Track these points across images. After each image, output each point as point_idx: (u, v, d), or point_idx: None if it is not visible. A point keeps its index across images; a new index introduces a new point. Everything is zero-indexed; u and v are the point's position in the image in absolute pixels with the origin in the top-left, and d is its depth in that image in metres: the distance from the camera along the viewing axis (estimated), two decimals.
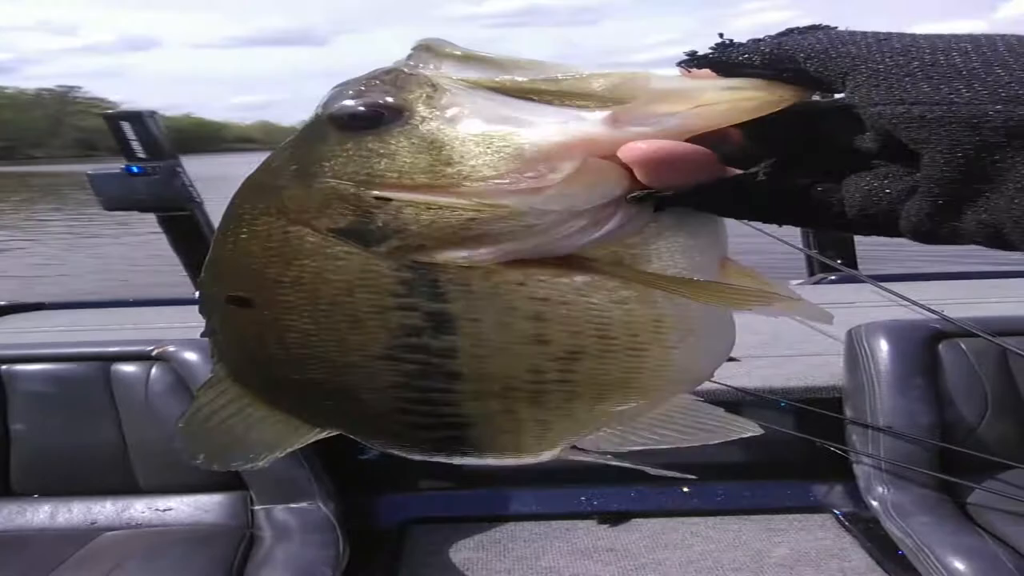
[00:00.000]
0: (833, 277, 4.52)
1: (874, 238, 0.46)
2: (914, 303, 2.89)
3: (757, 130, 0.45)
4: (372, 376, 0.52)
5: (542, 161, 0.45)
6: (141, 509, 2.42)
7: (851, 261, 4.44)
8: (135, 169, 4.87)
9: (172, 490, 2.45)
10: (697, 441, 0.53)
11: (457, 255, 0.47)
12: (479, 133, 0.46)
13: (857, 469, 2.50)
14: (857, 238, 5.22)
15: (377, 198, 0.47)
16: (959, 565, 2.06)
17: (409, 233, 0.47)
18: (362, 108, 0.47)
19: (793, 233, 5.16)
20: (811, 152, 0.45)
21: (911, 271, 4.81)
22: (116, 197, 4.98)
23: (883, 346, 2.50)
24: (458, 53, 0.49)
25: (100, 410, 2.45)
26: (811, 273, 5.01)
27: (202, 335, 0.57)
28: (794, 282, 4.79)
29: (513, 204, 0.46)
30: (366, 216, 0.48)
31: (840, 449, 2.49)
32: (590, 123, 0.45)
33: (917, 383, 2.44)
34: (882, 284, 3.21)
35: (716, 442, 0.54)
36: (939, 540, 2.17)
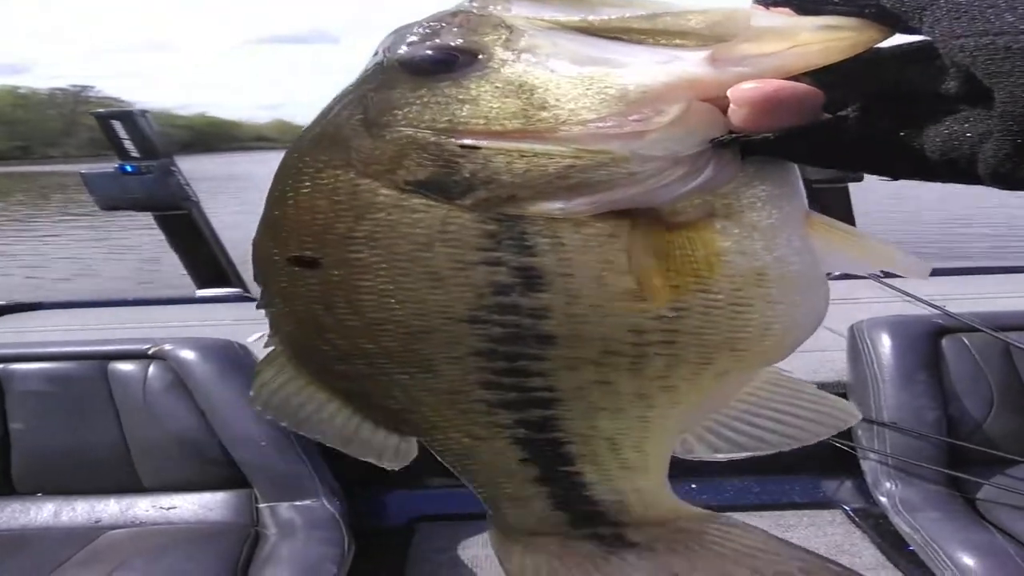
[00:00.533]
0: (835, 272, 4.51)
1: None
2: (916, 298, 2.89)
3: (841, 73, 0.42)
4: (454, 342, 0.47)
5: (647, 103, 0.42)
6: (145, 507, 2.41)
7: None
8: (129, 168, 4.86)
9: (175, 488, 2.43)
10: (801, 440, 0.53)
11: (552, 206, 0.44)
12: (575, 74, 0.42)
13: (865, 465, 2.50)
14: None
15: (463, 147, 0.43)
16: (969, 561, 2.06)
17: (500, 183, 0.43)
18: (433, 52, 0.44)
19: None
20: (892, 97, 0.43)
21: None
22: (111, 196, 4.97)
23: (886, 341, 2.49)
24: None
25: (99, 409, 2.43)
26: None
27: (258, 306, 0.53)
28: None
29: (615, 150, 0.42)
30: (449, 166, 0.44)
31: (846, 445, 2.49)
32: (692, 63, 0.41)
33: (921, 378, 2.43)
34: (884, 279, 3.21)
35: (821, 438, 0.53)
36: (948, 536, 2.16)
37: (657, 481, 0.57)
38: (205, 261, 5.16)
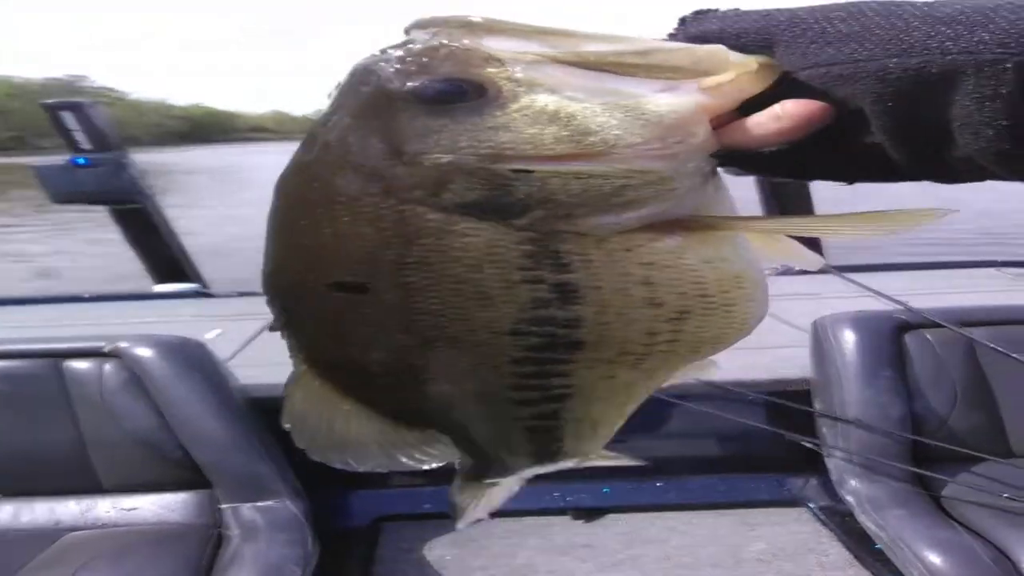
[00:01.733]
0: (799, 267, 4.52)
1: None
2: (879, 294, 2.91)
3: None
4: (496, 352, 0.51)
5: (682, 127, 0.46)
6: (106, 508, 2.37)
7: (817, 252, 4.49)
8: (80, 161, 4.77)
9: (136, 489, 2.39)
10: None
11: (605, 221, 0.47)
12: (607, 102, 0.46)
13: (829, 463, 2.51)
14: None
15: (515, 171, 0.46)
16: (935, 559, 2.08)
17: (557, 203, 0.46)
18: (444, 84, 0.46)
19: None
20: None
21: (878, 262, 4.87)
22: (62, 190, 4.87)
23: (849, 337, 2.50)
24: (500, 26, 0.47)
25: (55, 408, 2.38)
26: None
27: (273, 328, 0.54)
28: None
29: (662, 169, 0.46)
30: (502, 189, 0.46)
31: (810, 442, 2.51)
32: (697, 92, 0.47)
33: (885, 375, 2.45)
34: (847, 275, 3.24)
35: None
36: (914, 534, 2.18)
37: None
38: (161, 256, 5.09)
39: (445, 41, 0.46)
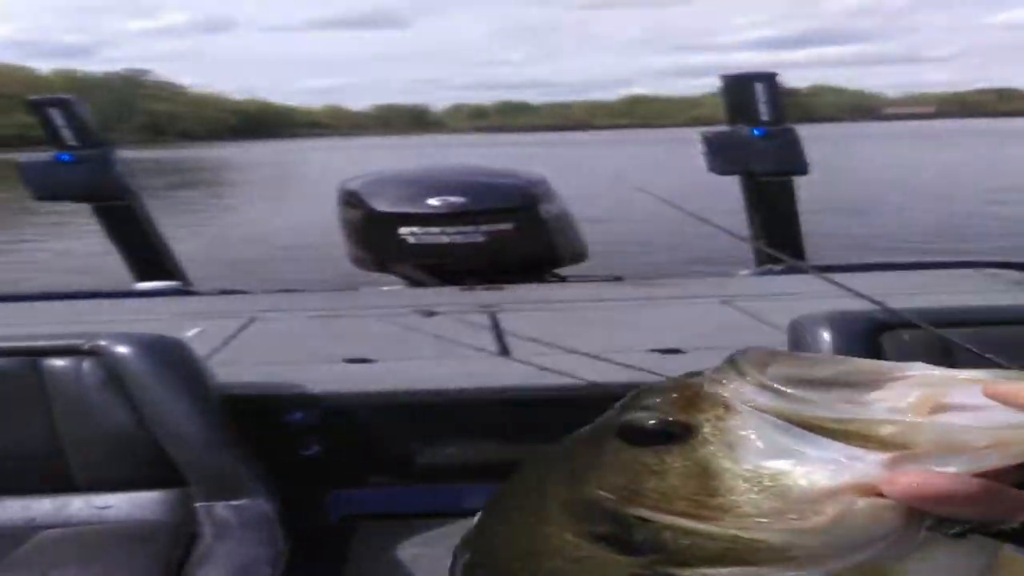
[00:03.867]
0: (779, 268, 4.58)
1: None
2: (857, 293, 2.94)
3: None
4: None
5: (806, 503, 0.45)
6: (79, 506, 2.38)
7: (798, 252, 4.51)
8: (65, 157, 4.77)
9: (110, 487, 2.40)
10: None
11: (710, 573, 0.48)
12: (751, 468, 0.47)
13: None
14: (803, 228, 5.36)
15: (637, 517, 0.49)
16: None
17: (667, 552, 0.48)
18: (652, 423, 0.50)
19: (739, 223, 5.25)
20: None
21: (858, 262, 4.88)
22: (45, 187, 4.86)
23: (825, 338, 2.49)
24: (760, 375, 0.49)
25: (31, 406, 2.38)
26: (758, 263, 5.09)
27: None
28: (741, 272, 4.85)
29: (770, 539, 0.46)
30: (626, 530, 0.49)
31: None
32: (868, 465, 0.45)
33: None
34: (826, 274, 3.27)
35: None
36: None
37: None
38: (144, 253, 5.09)
39: (710, 379, 0.51)
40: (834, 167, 24.78)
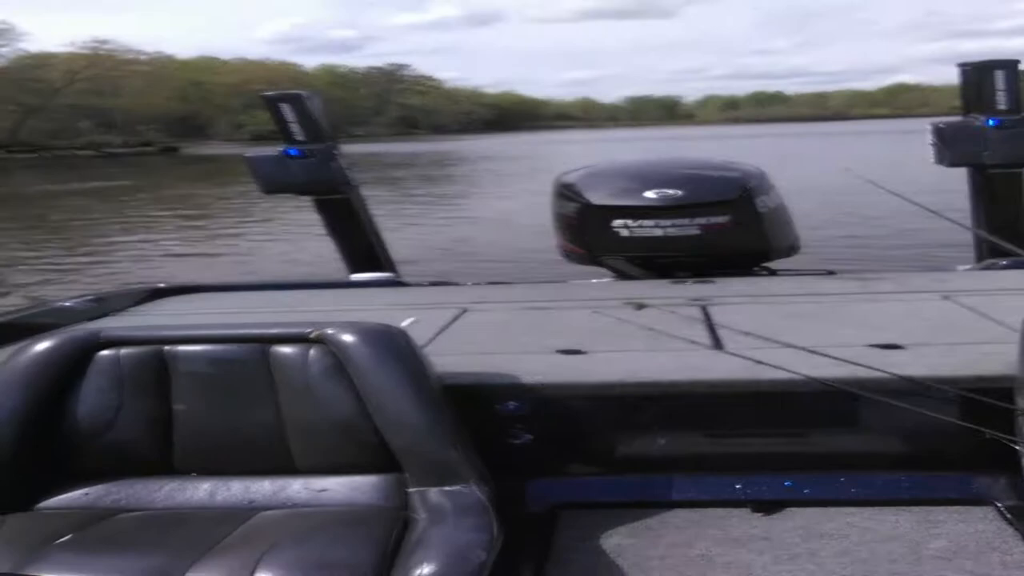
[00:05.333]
0: (1004, 262, 4.31)
1: None
2: None
3: None
4: None
5: None
6: (298, 489, 2.44)
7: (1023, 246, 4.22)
8: (293, 152, 4.97)
9: (328, 471, 2.45)
10: None
11: None
12: None
13: None
14: None
15: None
16: None
17: None
18: None
19: (963, 215, 4.95)
20: None
21: None
22: (273, 180, 5.08)
23: None
24: None
25: (259, 391, 2.47)
26: (979, 258, 4.86)
27: None
28: (961, 267, 4.58)
29: None
30: None
31: (1006, 439, 2.31)
32: None
33: None
34: None
35: None
36: None
37: None
38: (360, 245, 5.25)
39: None
40: None
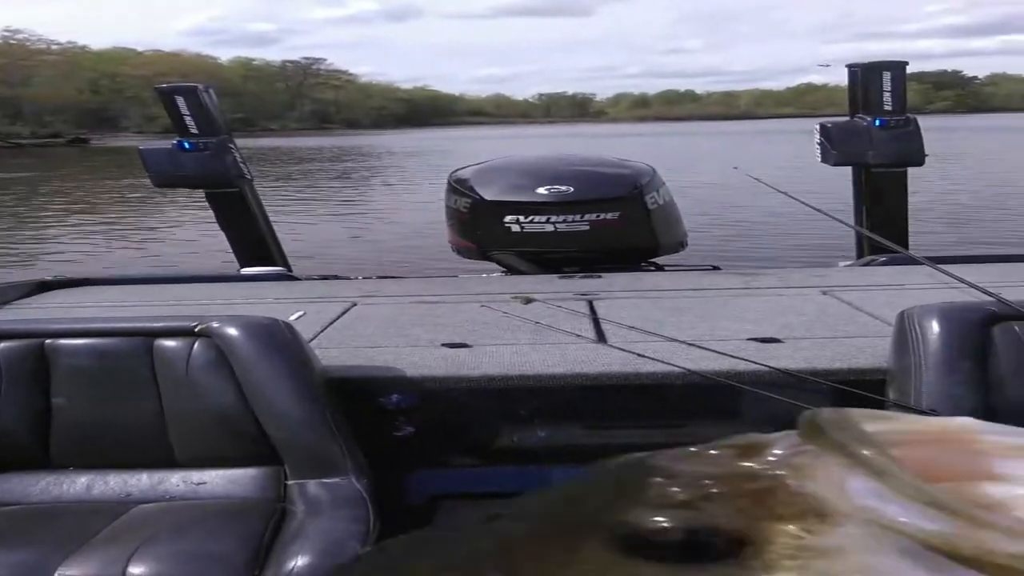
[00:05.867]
0: (883, 259, 4.45)
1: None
2: (971, 284, 2.79)
3: None
4: None
5: None
6: (176, 482, 2.45)
7: (903, 245, 4.37)
8: (186, 145, 4.92)
9: (207, 464, 2.47)
10: None
11: None
12: None
13: None
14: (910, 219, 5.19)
15: None
16: None
17: None
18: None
19: (846, 213, 5.11)
20: None
21: (966, 254, 4.71)
22: (165, 173, 5.02)
23: (935, 328, 2.41)
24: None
25: (141, 385, 2.47)
26: (861, 255, 5.01)
27: None
28: (843, 263, 4.73)
29: None
30: None
31: None
32: None
33: (963, 366, 2.34)
34: (938, 266, 3.13)
35: None
36: None
37: None
38: (252, 239, 5.22)
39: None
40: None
